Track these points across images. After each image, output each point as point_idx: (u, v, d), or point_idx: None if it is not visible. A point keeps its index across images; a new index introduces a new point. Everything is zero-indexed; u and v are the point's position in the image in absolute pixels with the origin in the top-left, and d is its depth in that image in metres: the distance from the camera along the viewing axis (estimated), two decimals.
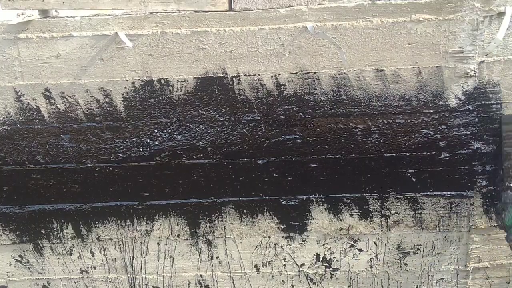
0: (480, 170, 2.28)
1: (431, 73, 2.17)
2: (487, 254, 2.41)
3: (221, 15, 2.13)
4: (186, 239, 2.45)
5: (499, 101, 2.19)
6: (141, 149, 2.31)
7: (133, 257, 2.50)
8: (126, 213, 2.42)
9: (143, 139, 2.30)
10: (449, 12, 2.08)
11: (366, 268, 2.46)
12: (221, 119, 2.26)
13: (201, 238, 2.45)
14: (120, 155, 2.33)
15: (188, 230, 2.43)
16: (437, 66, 2.15)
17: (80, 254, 2.50)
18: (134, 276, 2.54)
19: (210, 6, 2.12)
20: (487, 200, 2.32)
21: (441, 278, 2.46)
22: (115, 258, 2.51)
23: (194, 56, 2.18)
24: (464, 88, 2.18)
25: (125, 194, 2.39)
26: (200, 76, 2.21)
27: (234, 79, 2.21)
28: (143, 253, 2.50)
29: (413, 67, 2.16)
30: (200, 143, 2.29)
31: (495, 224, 2.35)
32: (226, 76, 2.21)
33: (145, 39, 2.17)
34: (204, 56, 2.18)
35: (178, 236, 2.45)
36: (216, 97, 2.24)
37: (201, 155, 2.31)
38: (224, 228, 2.43)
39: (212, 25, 2.14)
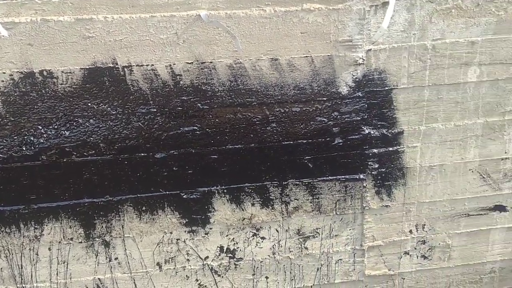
0: (370, 154, 2.40)
1: (323, 61, 2.22)
2: (380, 232, 2.55)
3: (108, 1, 2.00)
4: (81, 242, 2.30)
5: (386, 87, 2.31)
6: (24, 148, 2.11)
7: (21, 265, 2.29)
8: (10, 218, 2.20)
9: (26, 137, 2.10)
10: (338, 2, 2.14)
11: (269, 255, 2.49)
12: (114, 113, 2.14)
13: (97, 239, 2.31)
14: (0, 155, 2.10)
15: (82, 232, 2.28)
16: (328, 55, 2.22)
17: None
18: (24, 285, 2.33)
19: None
20: (378, 182, 2.46)
21: (340, 259, 2.57)
22: (1, 268, 2.28)
23: (80, 46, 2.02)
24: (353, 75, 2.27)
25: (8, 198, 2.17)
26: (87, 67, 2.06)
27: (125, 69, 2.09)
28: (33, 260, 2.29)
29: (306, 56, 2.21)
30: (91, 138, 2.15)
31: (386, 204, 2.50)
32: (116, 66, 2.08)
33: (23, 27, 1.97)
34: (91, 46, 2.03)
35: (71, 239, 2.28)
36: (107, 89, 2.10)
37: (93, 151, 2.16)
38: (122, 227, 2.31)
39: (98, 12, 1.99)
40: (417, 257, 2.64)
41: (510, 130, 2.48)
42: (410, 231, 2.58)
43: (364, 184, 2.45)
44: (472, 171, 2.53)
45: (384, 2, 2.17)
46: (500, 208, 2.63)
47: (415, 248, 2.62)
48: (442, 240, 2.63)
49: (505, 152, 2.52)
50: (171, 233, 2.36)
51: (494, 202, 2.61)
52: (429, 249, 2.63)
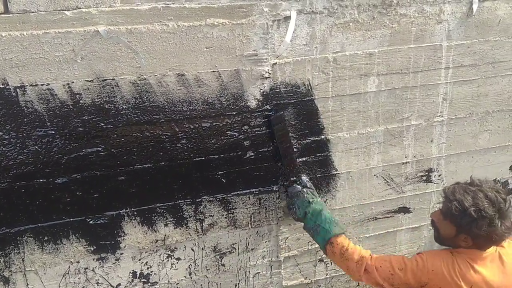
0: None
1: (230, 76, 2.22)
2: (295, 242, 2.58)
3: None
4: None
5: (291, 100, 2.35)
6: None
7: None
8: None
9: None
10: (241, 17, 2.15)
11: (185, 276, 2.42)
12: (6, 137, 1.96)
13: None
14: None
15: None
16: (235, 69, 2.21)
17: None
18: None
19: None
20: None
21: (257, 272, 2.56)
22: None
23: None
24: (261, 89, 2.28)
25: None
26: None
27: (18, 90, 1.93)
28: None
29: (213, 71, 2.19)
30: None
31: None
32: (7, 87, 1.92)
33: None
34: None
35: None
36: None
37: None
38: (23, 261, 2.12)
39: None
40: (331, 264, 2.70)
41: (408, 135, 2.64)
42: None
43: (277, 196, 2.47)
44: (377, 176, 2.65)
45: (286, 17, 2.22)
46: (404, 210, 2.78)
47: None
48: None
49: (405, 157, 2.67)
50: (78, 262, 2.20)
51: (399, 205, 2.75)
52: None
